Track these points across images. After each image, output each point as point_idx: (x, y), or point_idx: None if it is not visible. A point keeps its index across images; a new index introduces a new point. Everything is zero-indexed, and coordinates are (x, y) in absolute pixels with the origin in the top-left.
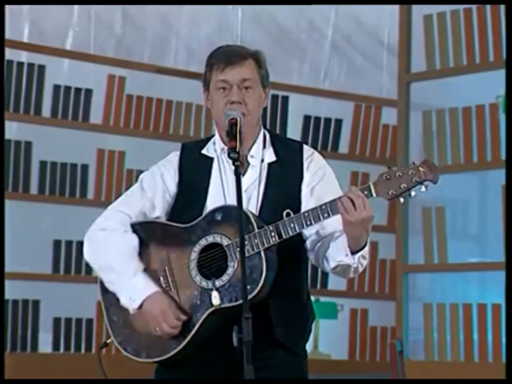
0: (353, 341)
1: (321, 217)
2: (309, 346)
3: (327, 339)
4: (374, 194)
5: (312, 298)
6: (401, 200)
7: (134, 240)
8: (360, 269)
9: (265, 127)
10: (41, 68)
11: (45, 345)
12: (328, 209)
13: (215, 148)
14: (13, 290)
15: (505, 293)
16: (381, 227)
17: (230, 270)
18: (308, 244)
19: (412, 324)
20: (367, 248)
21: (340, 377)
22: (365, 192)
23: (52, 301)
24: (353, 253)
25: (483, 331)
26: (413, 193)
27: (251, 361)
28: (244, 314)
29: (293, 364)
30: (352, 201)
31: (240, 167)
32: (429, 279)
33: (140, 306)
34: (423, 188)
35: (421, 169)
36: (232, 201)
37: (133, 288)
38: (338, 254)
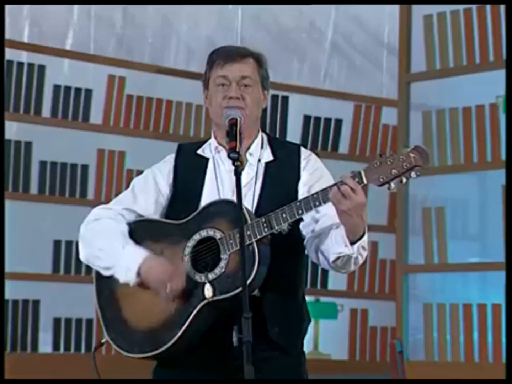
0: (353, 341)
1: (312, 205)
2: (309, 346)
3: (327, 339)
4: (365, 181)
5: (312, 298)
6: (392, 185)
7: (121, 224)
8: (361, 261)
9: (264, 129)
10: (41, 68)
11: (45, 345)
12: (319, 197)
13: (211, 149)
14: (13, 290)
15: (505, 293)
16: (381, 227)
17: (222, 263)
18: (306, 241)
19: (412, 324)
20: (365, 238)
21: (340, 377)
22: (356, 179)
23: (52, 301)
24: (352, 243)
25: (483, 331)
26: (404, 180)
27: (251, 361)
28: (244, 314)
29: (289, 366)
30: (341, 191)
31: (240, 167)
32: (429, 279)
33: (138, 274)
34: (413, 175)
35: (411, 155)
36: None
37: (126, 259)
38: (337, 246)
